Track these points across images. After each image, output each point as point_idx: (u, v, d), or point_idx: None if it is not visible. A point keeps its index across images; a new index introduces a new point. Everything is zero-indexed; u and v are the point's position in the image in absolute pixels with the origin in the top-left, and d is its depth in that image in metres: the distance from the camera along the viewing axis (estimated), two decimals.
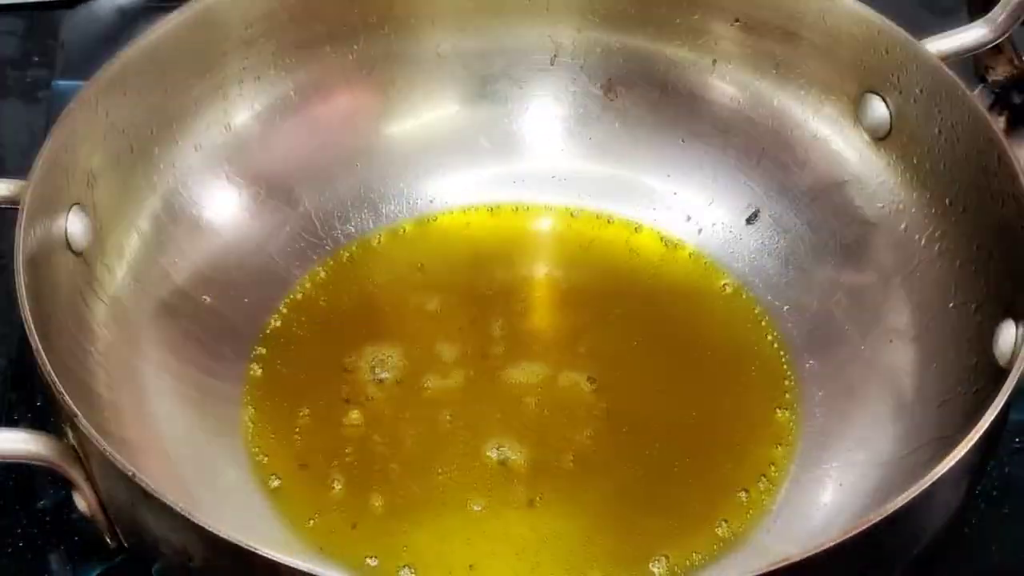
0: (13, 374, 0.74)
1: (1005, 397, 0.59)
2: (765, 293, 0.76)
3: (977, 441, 0.58)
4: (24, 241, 0.63)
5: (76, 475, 0.61)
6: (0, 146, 0.84)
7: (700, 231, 0.79)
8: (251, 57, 0.76)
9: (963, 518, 0.69)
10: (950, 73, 0.70)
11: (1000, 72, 0.82)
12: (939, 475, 0.57)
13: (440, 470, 0.69)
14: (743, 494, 0.69)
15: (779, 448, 0.70)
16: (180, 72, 0.74)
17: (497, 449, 0.70)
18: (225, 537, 0.54)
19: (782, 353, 0.74)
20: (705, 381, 0.74)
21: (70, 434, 0.60)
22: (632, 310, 0.76)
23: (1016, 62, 0.81)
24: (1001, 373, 0.63)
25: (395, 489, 0.69)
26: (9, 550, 0.68)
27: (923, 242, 0.72)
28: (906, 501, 0.56)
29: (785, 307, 0.76)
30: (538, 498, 0.69)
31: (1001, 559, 0.69)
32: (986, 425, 0.58)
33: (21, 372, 0.74)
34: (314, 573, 0.53)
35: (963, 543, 0.69)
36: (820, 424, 0.71)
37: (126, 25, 0.71)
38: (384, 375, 0.73)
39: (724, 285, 0.77)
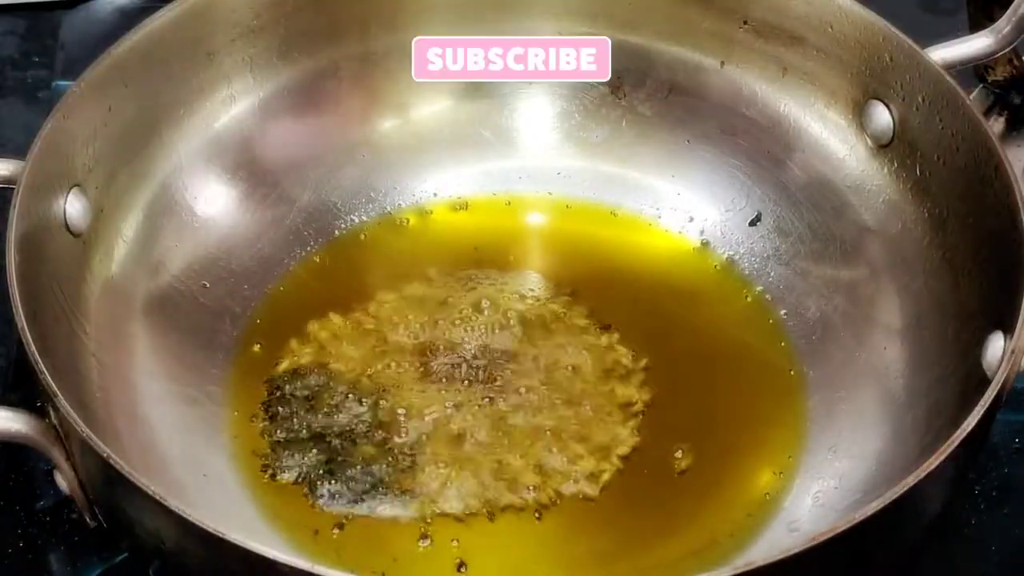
0: (14, 375, 0.74)
1: (983, 411, 0.59)
2: (765, 294, 0.77)
3: (952, 452, 0.58)
4: (18, 219, 0.64)
5: (57, 454, 0.61)
6: (0, 146, 0.84)
7: (703, 232, 0.79)
8: (251, 49, 0.76)
9: (962, 518, 0.69)
10: (952, 82, 0.70)
11: (999, 73, 0.82)
12: (910, 485, 0.57)
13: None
14: (737, 495, 0.69)
15: (775, 449, 0.71)
16: (181, 61, 0.74)
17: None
18: (194, 521, 0.55)
19: (781, 354, 0.74)
20: (703, 380, 0.74)
21: (52, 414, 0.61)
22: (632, 309, 0.76)
23: (1015, 63, 0.81)
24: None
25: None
26: (9, 550, 0.68)
27: (920, 250, 0.72)
28: (868, 515, 0.56)
29: (784, 309, 0.76)
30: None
31: (1001, 559, 0.69)
32: (960, 439, 0.58)
33: (21, 373, 0.73)
34: (277, 558, 0.53)
35: (963, 543, 0.69)
36: (815, 427, 0.71)
37: (126, 25, 0.71)
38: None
39: (725, 286, 0.77)
